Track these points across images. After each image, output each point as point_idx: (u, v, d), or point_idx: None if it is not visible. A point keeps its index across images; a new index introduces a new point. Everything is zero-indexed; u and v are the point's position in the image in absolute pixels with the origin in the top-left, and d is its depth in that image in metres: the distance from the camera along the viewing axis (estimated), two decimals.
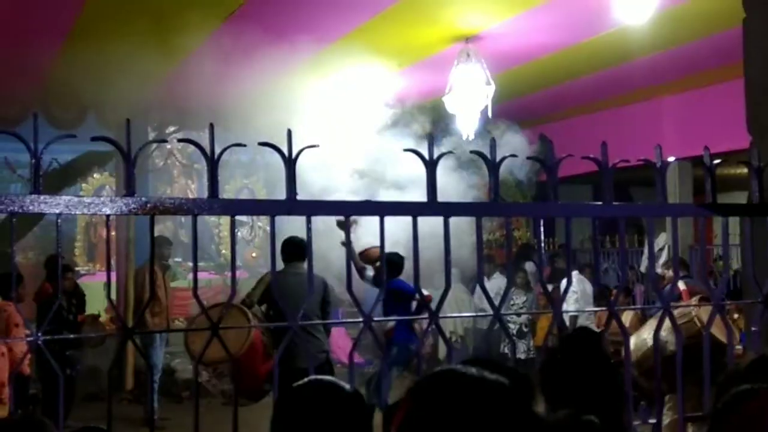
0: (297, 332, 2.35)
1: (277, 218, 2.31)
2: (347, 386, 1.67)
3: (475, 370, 1.25)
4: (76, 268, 11.33)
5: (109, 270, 2.33)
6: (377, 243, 2.40)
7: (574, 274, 7.77)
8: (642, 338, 4.56)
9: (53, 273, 7.30)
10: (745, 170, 2.97)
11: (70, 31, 7.21)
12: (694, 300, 4.93)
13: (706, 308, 5.61)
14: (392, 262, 6.25)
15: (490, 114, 7.81)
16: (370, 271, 6.68)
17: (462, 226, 2.67)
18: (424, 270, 2.49)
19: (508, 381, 1.25)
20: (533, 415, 1.24)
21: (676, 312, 2.81)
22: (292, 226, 2.59)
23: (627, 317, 6.43)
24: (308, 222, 2.28)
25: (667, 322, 2.77)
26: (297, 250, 5.78)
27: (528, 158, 2.87)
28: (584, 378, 1.96)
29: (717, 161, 2.89)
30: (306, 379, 1.69)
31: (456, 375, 1.26)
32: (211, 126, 2.14)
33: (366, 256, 6.70)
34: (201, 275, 11.01)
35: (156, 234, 2.42)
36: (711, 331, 4.40)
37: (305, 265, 2.49)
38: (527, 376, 1.33)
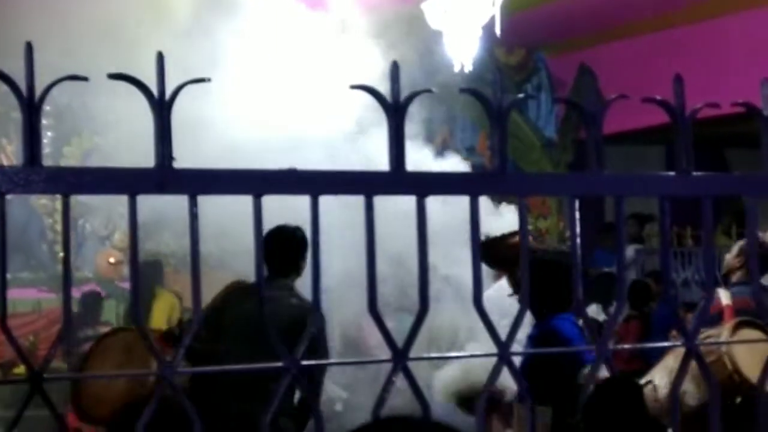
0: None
1: (148, 200, 2.29)
2: None
3: None
4: None
5: None
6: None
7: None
8: (653, 384, 4.72)
9: None
10: None
11: None
12: (733, 324, 5.12)
13: (752, 336, 5.80)
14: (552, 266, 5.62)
15: (498, 31, 7.84)
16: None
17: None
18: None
19: None
20: None
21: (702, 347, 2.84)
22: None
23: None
24: (191, 204, 2.24)
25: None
26: (287, 254, 5.58)
27: (557, 101, 2.87)
28: None
29: None
30: None
31: None
32: (29, 46, 2.10)
33: (511, 247, 6.38)
34: (25, 293, 10.94)
35: None
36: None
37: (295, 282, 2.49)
38: None
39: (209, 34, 7.32)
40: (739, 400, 3.23)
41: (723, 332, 5.45)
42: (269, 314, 2.49)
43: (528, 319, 6.19)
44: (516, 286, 6.23)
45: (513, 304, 6.18)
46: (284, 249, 5.51)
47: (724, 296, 6.89)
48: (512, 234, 6.40)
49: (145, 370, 5.25)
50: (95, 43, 6.94)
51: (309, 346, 2.40)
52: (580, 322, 5.11)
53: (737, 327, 5.85)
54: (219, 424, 5.20)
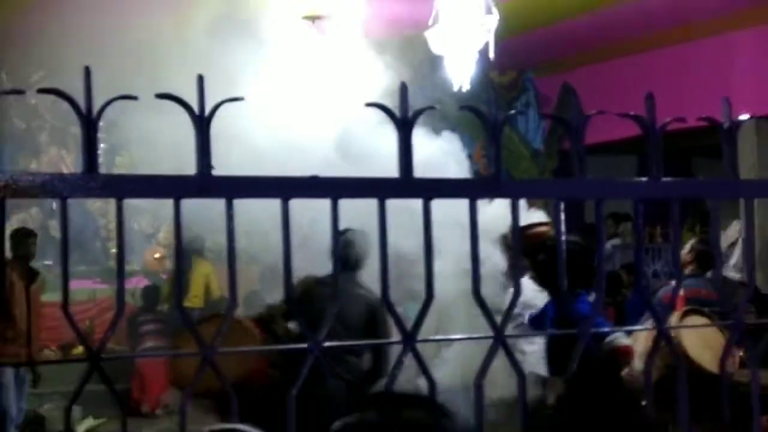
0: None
1: (189, 204, 2.29)
2: None
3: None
4: None
5: None
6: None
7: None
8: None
9: None
10: None
11: None
12: (682, 312, 5.18)
13: (698, 322, 5.84)
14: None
15: (492, 55, 7.82)
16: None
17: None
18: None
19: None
20: None
21: (653, 331, 2.85)
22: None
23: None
24: (228, 207, 2.25)
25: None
26: (357, 252, 5.98)
27: (544, 116, 2.87)
28: (602, 424, 2.02)
29: None
30: None
31: None
32: (87, 70, 2.10)
33: (531, 237, 6.47)
34: (82, 284, 10.96)
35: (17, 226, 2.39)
36: (702, 357, 4.90)
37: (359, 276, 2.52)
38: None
39: (232, 57, 7.30)
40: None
41: (672, 318, 5.47)
42: (346, 302, 2.52)
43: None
44: (535, 270, 6.27)
45: (535, 297, 6.21)
46: (354, 249, 5.87)
47: (674, 286, 6.88)
48: (530, 226, 6.40)
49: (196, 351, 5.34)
50: (137, 65, 6.93)
51: (377, 328, 2.45)
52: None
53: (685, 314, 5.87)
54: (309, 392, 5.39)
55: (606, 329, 5.84)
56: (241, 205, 2.30)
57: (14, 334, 8.04)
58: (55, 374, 8.92)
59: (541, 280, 5.99)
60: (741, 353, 4.50)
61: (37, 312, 8.62)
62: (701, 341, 6.04)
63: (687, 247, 7.51)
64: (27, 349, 8.13)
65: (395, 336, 2.41)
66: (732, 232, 9.03)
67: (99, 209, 11.54)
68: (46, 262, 11.54)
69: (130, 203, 2.25)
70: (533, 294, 6.15)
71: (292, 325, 6.24)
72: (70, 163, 11.67)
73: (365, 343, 6.01)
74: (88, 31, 7.01)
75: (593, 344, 2.80)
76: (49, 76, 8.44)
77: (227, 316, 2.42)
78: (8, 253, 8.18)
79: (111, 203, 2.27)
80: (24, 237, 7.53)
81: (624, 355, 6.14)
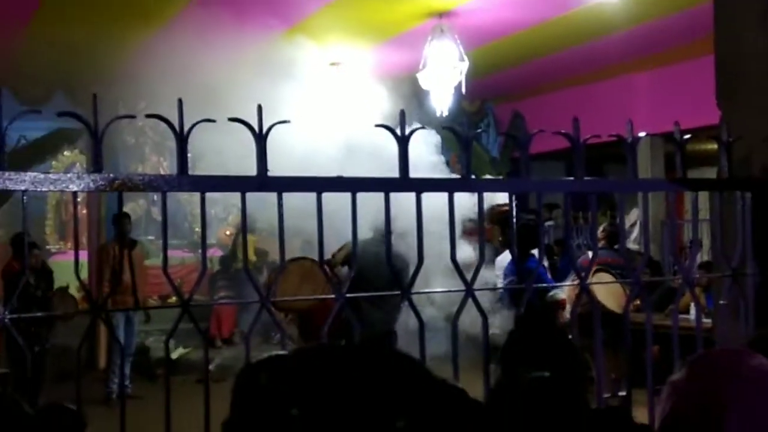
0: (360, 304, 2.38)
1: (250, 195, 2.29)
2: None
3: None
4: (47, 247, 11.23)
5: (77, 248, 2.29)
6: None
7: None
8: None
9: (19, 250, 7.20)
10: (715, 146, 2.98)
11: (38, 8, 7.09)
12: (593, 271, 5.32)
13: (601, 279, 5.91)
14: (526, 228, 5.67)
15: (463, 90, 7.80)
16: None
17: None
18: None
19: None
20: None
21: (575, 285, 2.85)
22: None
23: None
24: (279, 198, 2.26)
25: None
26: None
27: (501, 134, 2.86)
28: (541, 353, 1.99)
29: (687, 137, 2.90)
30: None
31: None
32: (180, 101, 2.11)
33: (501, 212, 6.29)
34: (174, 253, 10.96)
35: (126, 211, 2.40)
36: (607, 303, 5.30)
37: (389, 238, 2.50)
38: None
39: (278, 90, 7.28)
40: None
41: (592, 272, 5.55)
42: (382, 257, 2.52)
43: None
44: (503, 236, 6.41)
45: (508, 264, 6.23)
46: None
47: (590, 254, 6.92)
48: (500, 205, 6.38)
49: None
50: (212, 96, 6.88)
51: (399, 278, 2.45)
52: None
53: (596, 272, 5.93)
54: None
55: (547, 284, 5.91)
56: (288, 196, 2.31)
57: (122, 288, 8.02)
58: (156, 317, 8.95)
59: (508, 245, 6.00)
60: (638, 302, 4.50)
61: (142, 270, 8.57)
62: (606, 291, 6.12)
63: (601, 228, 7.55)
64: (133, 297, 8.11)
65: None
66: (632, 216, 9.00)
67: (187, 200, 11.53)
68: (149, 237, 11.56)
69: (208, 195, 2.26)
70: (508, 262, 6.21)
71: (344, 270, 6.23)
72: (166, 167, 11.66)
73: (377, 294, 5.93)
74: (177, 71, 7.00)
75: (537, 294, 2.81)
76: (150, 105, 8.44)
77: (278, 272, 2.43)
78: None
79: (196, 195, 2.28)
80: (121, 218, 7.45)
81: (560, 304, 6.24)
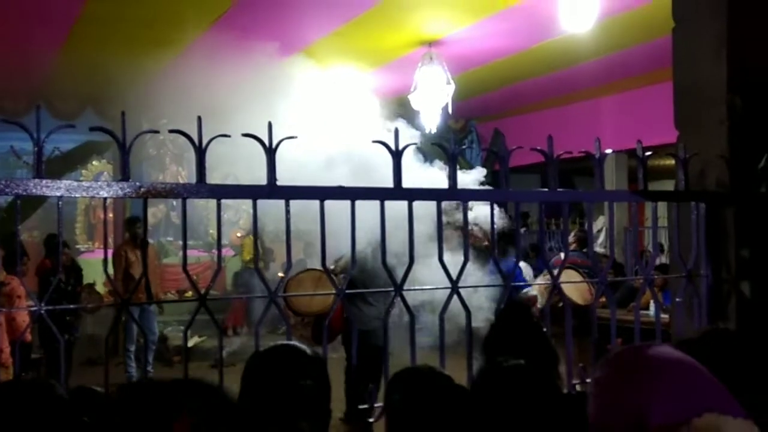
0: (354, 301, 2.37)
1: (259, 201, 2.30)
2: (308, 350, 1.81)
3: None
4: (77, 246, 11.19)
5: (105, 248, 2.30)
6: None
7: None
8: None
9: (52, 250, 7.18)
10: (673, 161, 3.01)
11: (71, 31, 7.09)
12: (563, 270, 5.38)
13: (569, 277, 5.97)
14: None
15: (450, 110, 7.83)
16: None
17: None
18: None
19: None
20: None
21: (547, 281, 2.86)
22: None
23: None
24: (287, 205, 2.27)
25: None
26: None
27: (483, 149, 2.87)
28: (518, 343, 2.01)
29: (648, 153, 2.92)
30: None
31: None
32: (199, 118, 2.12)
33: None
34: (191, 253, 10.91)
35: (149, 217, 2.40)
36: (572, 296, 5.01)
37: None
38: None
39: (286, 107, 7.27)
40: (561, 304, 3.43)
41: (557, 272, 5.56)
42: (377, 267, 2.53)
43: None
44: (489, 243, 6.41)
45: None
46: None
47: (562, 256, 6.90)
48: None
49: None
50: (226, 113, 6.86)
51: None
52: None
53: (565, 269, 5.96)
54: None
55: (521, 283, 5.91)
56: (294, 203, 2.31)
57: (136, 287, 7.85)
58: (174, 309, 8.92)
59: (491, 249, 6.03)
60: (603, 299, 4.52)
61: (153, 269, 8.33)
62: (573, 286, 6.17)
63: (572, 233, 7.55)
64: (146, 294, 7.97)
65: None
66: (599, 223, 9.03)
67: (203, 205, 11.48)
68: (169, 239, 11.52)
69: (223, 201, 2.26)
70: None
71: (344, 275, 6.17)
72: (185, 176, 11.62)
73: (371, 291, 5.91)
74: (194, 91, 7.00)
75: (515, 292, 2.83)
76: (171, 121, 8.42)
77: (286, 274, 2.44)
78: (126, 235, 8.07)
79: (212, 201, 2.28)
80: (133, 222, 7.28)
81: (532, 300, 6.26)
